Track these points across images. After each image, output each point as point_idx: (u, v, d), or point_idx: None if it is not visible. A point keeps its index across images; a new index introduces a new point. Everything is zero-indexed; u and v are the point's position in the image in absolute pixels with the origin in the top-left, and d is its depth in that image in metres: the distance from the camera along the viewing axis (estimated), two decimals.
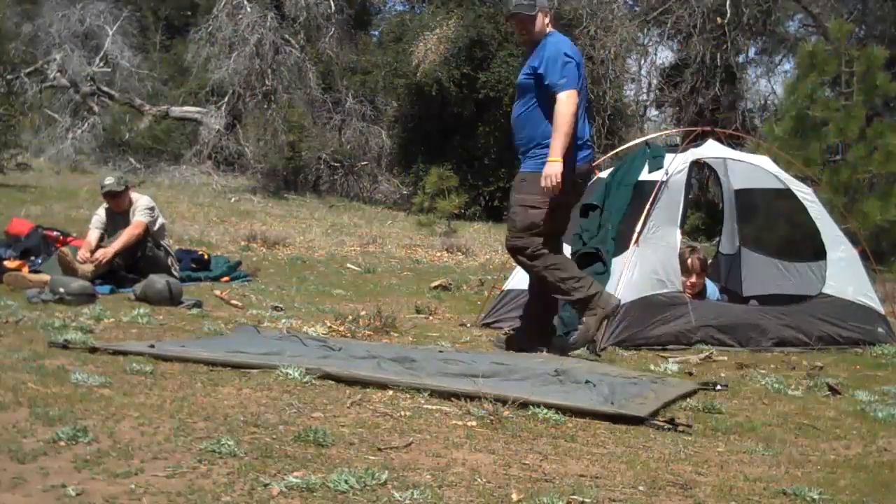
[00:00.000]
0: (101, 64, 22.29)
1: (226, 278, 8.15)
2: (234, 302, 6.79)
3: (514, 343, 5.67)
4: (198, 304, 6.44)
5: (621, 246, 6.24)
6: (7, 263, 7.01)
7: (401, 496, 2.72)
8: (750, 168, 7.33)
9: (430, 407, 3.89)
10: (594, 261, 6.28)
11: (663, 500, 2.96)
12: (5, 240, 7.75)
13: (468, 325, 6.66)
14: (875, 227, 11.11)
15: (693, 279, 6.77)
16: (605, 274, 6.18)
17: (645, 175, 6.61)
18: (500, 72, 18.98)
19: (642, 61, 22.61)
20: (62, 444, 2.97)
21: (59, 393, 3.62)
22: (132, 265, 7.23)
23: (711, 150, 7.27)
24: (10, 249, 7.43)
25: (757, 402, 4.60)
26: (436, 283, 8.91)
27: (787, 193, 7.00)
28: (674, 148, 7.31)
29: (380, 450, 3.22)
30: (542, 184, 5.26)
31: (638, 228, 6.14)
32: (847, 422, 4.29)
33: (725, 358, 5.80)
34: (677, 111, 19.97)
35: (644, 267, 6.12)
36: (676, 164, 6.55)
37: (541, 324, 5.75)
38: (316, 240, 12.42)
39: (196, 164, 19.99)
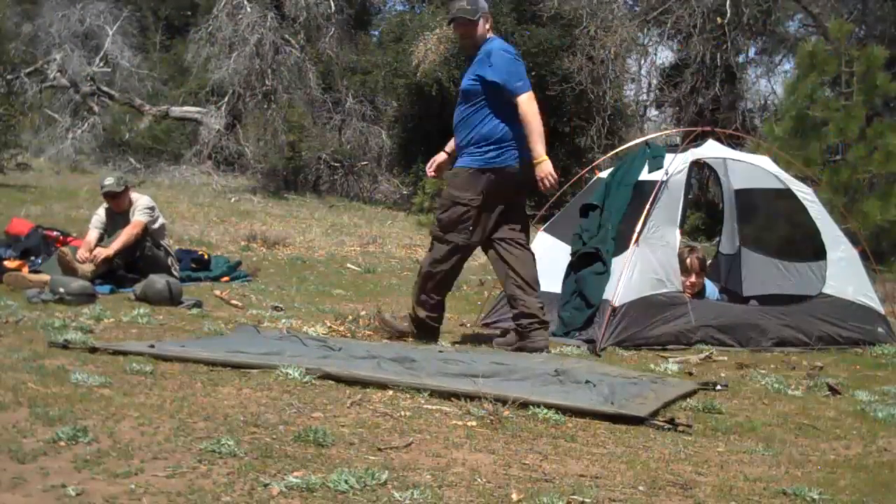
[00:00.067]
0: (101, 64, 22.29)
1: (226, 278, 8.15)
2: (234, 302, 6.79)
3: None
4: (198, 304, 6.44)
5: (621, 246, 6.24)
6: (7, 263, 7.02)
7: (401, 496, 2.72)
8: (750, 168, 7.33)
9: (430, 407, 3.89)
10: (594, 261, 6.28)
11: (663, 500, 2.96)
12: (5, 240, 7.76)
13: (468, 325, 6.65)
14: (875, 227, 11.10)
15: (692, 279, 6.77)
16: (605, 274, 6.18)
17: (645, 175, 6.61)
18: None
19: (642, 61, 22.62)
20: (62, 444, 2.97)
21: (59, 393, 3.63)
22: (132, 265, 7.23)
23: (711, 150, 7.27)
24: (10, 249, 7.43)
25: (757, 402, 4.60)
26: None
27: (787, 193, 7.00)
28: (674, 148, 7.31)
29: (380, 450, 3.22)
30: (540, 186, 5.44)
31: (638, 228, 6.14)
32: (847, 422, 4.29)
33: (725, 358, 5.80)
34: (677, 111, 19.96)
35: (644, 267, 6.12)
36: (676, 164, 6.55)
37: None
38: (316, 240, 12.42)
39: (196, 164, 19.99)
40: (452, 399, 3.99)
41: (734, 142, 12.24)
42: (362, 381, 4.17)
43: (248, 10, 19.35)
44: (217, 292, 7.08)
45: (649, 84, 23.18)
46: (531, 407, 3.88)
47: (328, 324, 5.97)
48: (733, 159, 7.53)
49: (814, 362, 5.80)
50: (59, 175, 18.15)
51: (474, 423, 3.68)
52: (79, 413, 3.35)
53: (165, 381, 4.00)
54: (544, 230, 7.12)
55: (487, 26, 5.61)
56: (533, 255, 5.74)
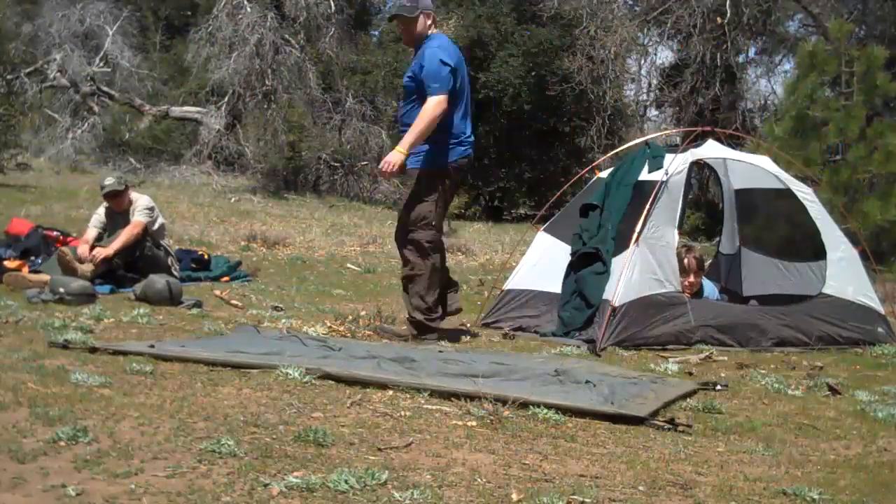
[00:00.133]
0: (101, 64, 22.30)
1: (226, 278, 8.15)
2: (234, 302, 6.79)
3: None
4: (198, 304, 6.44)
5: (621, 246, 6.24)
6: (7, 263, 7.02)
7: (401, 496, 2.72)
8: (750, 168, 7.33)
9: (430, 407, 3.89)
10: (594, 260, 6.28)
11: (663, 500, 2.96)
12: (5, 240, 7.76)
13: (468, 325, 6.65)
14: (875, 227, 11.10)
15: (690, 279, 6.77)
16: (604, 274, 6.18)
17: (645, 175, 6.61)
18: (499, 72, 19.00)
19: (642, 61, 22.66)
20: (62, 444, 2.97)
21: (59, 393, 3.63)
22: (132, 265, 7.23)
23: (711, 150, 7.26)
24: (10, 249, 7.43)
25: (757, 402, 4.60)
26: None
27: (787, 193, 6.99)
28: (674, 148, 7.31)
29: (380, 450, 3.23)
30: (379, 167, 5.73)
31: (638, 228, 6.14)
32: (847, 422, 4.29)
33: (725, 358, 5.80)
34: (677, 111, 19.97)
35: (644, 267, 6.11)
36: (676, 164, 6.55)
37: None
38: (316, 240, 12.42)
39: (196, 164, 20.00)
40: (452, 399, 3.99)
41: (734, 142, 12.25)
42: (362, 381, 4.17)
43: (248, 10, 19.35)
44: (217, 292, 7.08)
45: (649, 84, 23.22)
46: (531, 407, 3.88)
47: (328, 324, 5.98)
48: (733, 159, 7.53)
49: (814, 362, 5.80)
50: (59, 175, 18.16)
51: (474, 423, 3.68)
52: (79, 413, 3.35)
53: (165, 381, 4.00)
54: (544, 230, 7.11)
55: (429, 23, 5.76)
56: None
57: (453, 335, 6.03)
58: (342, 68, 21.28)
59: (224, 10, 19.48)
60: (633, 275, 6.05)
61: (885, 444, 3.92)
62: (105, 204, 7.50)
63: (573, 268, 6.42)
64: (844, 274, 6.71)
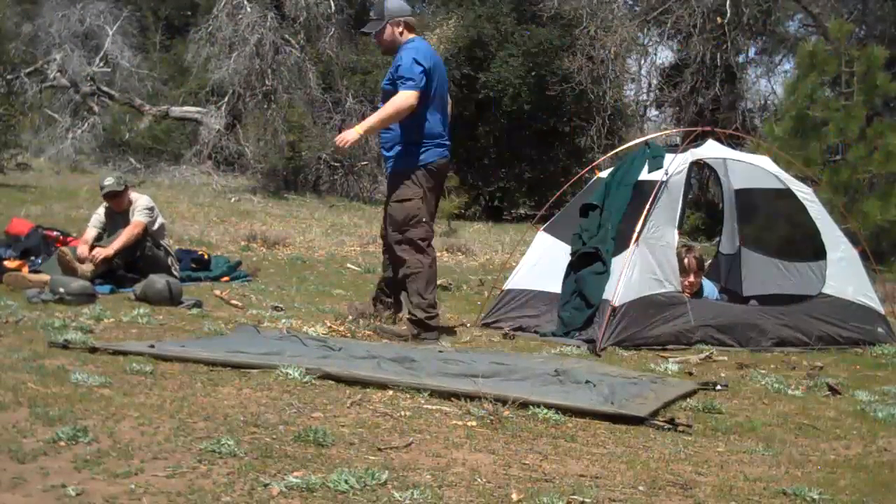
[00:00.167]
0: (101, 64, 22.30)
1: (226, 278, 8.15)
2: (234, 302, 6.79)
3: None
4: (198, 304, 6.44)
5: (621, 245, 6.24)
6: (7, 263, 7.02)
7: (401, 496, 2.72)
8: (750, 168, 7.33)
9: (430, 407, 3.89)
10: (594, 260, 6.28)
11: (663, 500, 2.97)
12: (5, 240, 7.76)
13: (468, 325, 6.65)
14: (875, 227, 11.09)
15: (690, 279, 6.77)
16: (604, 273, 6.18)
17: (645, 175, 6.61)
18: (500, 72, 18.99)
19: (642, 61, 22.65)
20: (62, 444, 2.97)
21: (59, 393, 3.63)
22: (132, 265, 7.23)
23: (711, 150, 7.26)
24: (10, 249, 7.43)
25: (757, 402, 4.60)
26: None
27: (787, 193, 6.99)
28: (674, 148, 7.30)
29: (380, 450, 3.23)
30: (335, 139, 5.84)
31: (638, 228, 6.14)
32: (847, 422, 4.29)
33: (725, 358, 5.80)
34: (677, 111, 19.96)
35: (644, 267, 6.11)
36: (676, 164, 6.55)
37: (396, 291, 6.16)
38: (316, 240, 12.41)
39: (196, 164, 19.99)
40: (452, 399, 3.99)
41: (734, 142, 12.24)
42: (362, 381, 4.17)
43: (248, 10, 19.35)
44: (217, 292, 7.08)
45: (649, 84, 23.20)
46: (531, 407, 3.88)
47: (328, 324, 5.98)
48: (733, 159, 7.53)
49: (814, 362, 5.80)
50: (59, 175, 18.16)
51: (474, 423, 3.68)
52: (79, 413, 3.35)
53: (165, 381, 4.00)
54: (544, 230, 7.11)
55: (399, 30, 5.93)
56: None
57: (452, 333, 6.03)
58: (342, 68, 21.26)
59: (224, 10, 19.47)
60: (633, 275, 6.05)
61: (885, 444, 3.92)
62: (105, 204, 7.50)
63: (573, 268, 6.42)
64: (844, 274, 6.71)
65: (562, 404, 3.93)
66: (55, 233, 7.92)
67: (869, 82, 11.87)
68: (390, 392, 4.08)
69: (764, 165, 7.23)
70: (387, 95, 5.93)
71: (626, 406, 4.02)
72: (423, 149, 5.84)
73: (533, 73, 19.16)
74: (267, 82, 19.55)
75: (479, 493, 2.85)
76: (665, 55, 28.61)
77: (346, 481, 2.77)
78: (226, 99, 20.11)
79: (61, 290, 6.10)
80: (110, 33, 22.30)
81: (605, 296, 6.05)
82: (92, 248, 7.15)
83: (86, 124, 20.90)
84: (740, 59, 20.13)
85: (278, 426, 3.39)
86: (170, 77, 25.69)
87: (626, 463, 3.33)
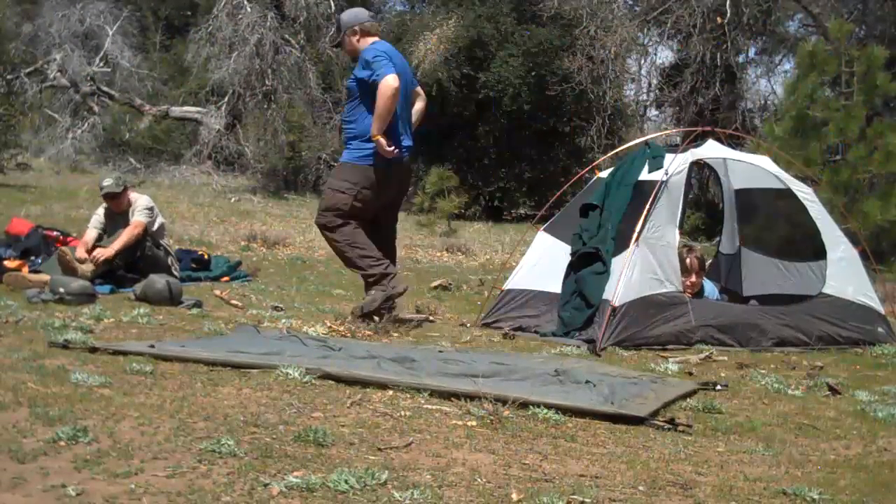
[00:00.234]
0: (101, 64, 22.31)
1: (226, 278, 8.15)
2: (234, 302, 6.79)
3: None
4: (198, 304, 6.44)
5: (621, 245, 6.24)
6: (7, 263, 7.02)
7: (401, 496, 2.72)
8: (750, 168, 7.33)
9: (430, 407, 3.89)
10: (594, 260, 6.28)
11: (663, 500, 2.97)
12: (5, 240, 7.75)
13: (468, 325, 6.66)
14: (875, 227, 11.10)
15: (692, 279, 6.77)
16: (604, 273, 6.18)
17: (645, 175, 6.61)
18: (499, 72, 18.99)
19: (642, 61, 22.65)
20: (62, 444, 2.97)
21: (59, 393, 3.62)
22: (132, 265, 7.23)
23: (711, 150, 7.26)
24: (10, 249, 7.43)
25: (757, 402, 4.60)
26: (436, 283, 8.92)
27: (787, 193, 7.00)
28: (674, 148, 7.31)
29: (380, 450, 3.23)
30: (383, 152, 5.87)
31: (638, 228, 6.14)
32: (847, 422, 4.29)
33: (725, 358, 5.80)
34: (677, 111, 19.97)
35: (644, 266, 6.12)
36: (676, 164, 6.55)
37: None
38: (316, 240, 12.39)
39: (196, 164, 20.00)
40: (452, 399, 3.99)
41: (734, 142, 12.24)
42: (362, 381, 4.17)
43: (248, 10, 19.36)
44: (217, 292, 7.08)
45: (649, 84, 23.21)
46: (531, 407, 3.88)
47: (328, 324, 5.97)
48: (733, 159, 7.53)
49: (814, 362, 5.80)
50: (59, 175, 18.17)
51: (474, 423, 3.68)
52: (79, 413, 3.35)
53: (165, 381, 4.00)
54: (544, 230, 7.11)
55: (356, 38, 6.16)
56: (395, 233, 6.44)
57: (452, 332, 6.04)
58: (342, 68, 21.26)
59: (224, 10, 19.48)
60: (633, 275, 6.05)
61: (885, 444, 3.92)
62: (104, 204, 7.50)
63: (573, 268, 6.42)
64: (844, 274, 6.71)
65: (562, 404, 3.93)
66: (55, 233, 7.92)
67: (869, 82, 11.88)
68: (390, 392, 4.08)
69: (764, 165, 7.23)
70: (349, 92, 6.17)
71: (626, 406, 4.02)
72: (368, 146, 5.94)
73: (533, 73, 19.17)
74: (267, 82, 19.56)
75: (479, 493, 2.85)
76: (665, 55, 28.64)
77: (346, 481, 2.77)
78: (226, 99, 20.12)
79: (61, 290, 6.10)
80: (110, 33, 22.31)
81: (606, 296, 6.05)
82: (92, 248, 7.16)
83: (86, 124, 20.91)
84: (740, 59, 20.14)
85: (278, 426, 3.39)
86: (170, 77, 25.71)
87: (626, 463, 3.33)
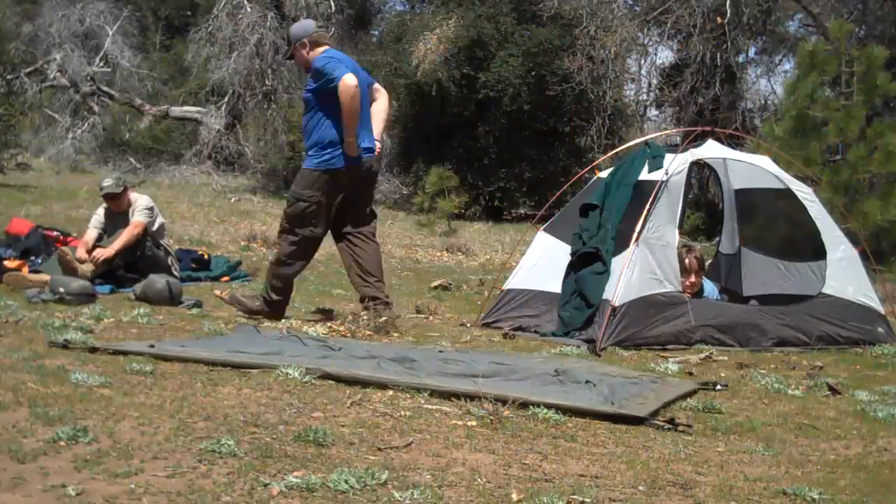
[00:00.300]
0: (101, 64, 22.30)
1: (226, 278, 8.15)
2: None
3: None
4: (198, 304, 6.44)
5: (621, 245, 6.24)
6: (7, 263, 7.02)
7: (401, 496, 2.72)
8: (750, 168, 7.33)
9: (430, 407, 3.89)
10: (594, 260, 6.28)
11: (663, 500, 2.97)
12: (5, 240, 7.76)
13: (468, 325, 6.65)
14: (875, 227, 11.09)
15: (691, 279, 6.77)
16: (604, 273, 6.18)
17: (645, 175, 6.61)
18: (499, 72, 18.97)
19: (642, 61, 22.63)
20: (62, 444, 2.97)
21: (59, 393, 3.63)
22: (132, 265, 7.23)
23: (711, 150, 7.26)
24: (10, 249, 7.43)
25: (757, 402, 4.60)
26: (436, 283, 8.92)
27: (787, 193, 6.99)
28: (674, 148, 7.30)
29: (380, 450, 3.23)
30: (350, 152, 5.98)
31: (638, 228, 6.14)
32: (847, 422, 4.29)
33: (725, 358, 5.80)
34: (677, 111, 19.95)
35: (644, 266, 6.11)
36: (676, 164, 6.55)
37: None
38: None
39: (196, 164, 20.00)
40: (452, 399, 3.99)
41: (734, 142, 12.23)
42: (362, 381, 4.17)
43: (248, 10, 19.35)
44: (217, 292, 7.07)
45: (649, 84, 23.19)
46: (531, 407, 3.88)
47: (328, 324, 5.97)
48: (733, 159, 7.53)
49: (814, 362, 5.80)
50: (59, 175, 18.17)
51: (474, 423, 3.68)
52: (79, 413, 3.35)
53: (165, 381, 4.00)
54: (544, 230, 7.11)
55: (306, 50, 6.20)
56: (378, 245, 6.46)
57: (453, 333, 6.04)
58: None
59: (224, 10, 19.47)
60: (633, 275, 6.05)
61: (885, 444, 3.92)
62: (104, 205, 7.50)
63: (573, 268, 6.42)
64: (844, 274, 6.71)
65: (562, 404, 3.93)
66: (55, 233, 7.93)
67: (869, 82, 11.87)
68: (390, 392, 4.08)
69: (764, 165, 7.23)
70: (306, 102, 6.23)
71: (626, 406, 4.02)
72: (325, 152, 6.04)
73: (533, 73, 19.16)
74: (267, 82, 19.56)
75: (479, 493, 2.85)
76: (665, 55, 28.59)
77: (346, 481, 2.77)
78: (226, 99, 20.12)
79: (61, 290, 6.10)
80: (110, 33, 22.30)
81: (605, 296, 6.05)
82: (92, 248, 7.15)
83: (86, 124, 20.91)
84: (740, 59, 20.12)
85: (278, 426, 3.39)
86: (170, 77, 25.70)
87: (626, 463, 3.33)
